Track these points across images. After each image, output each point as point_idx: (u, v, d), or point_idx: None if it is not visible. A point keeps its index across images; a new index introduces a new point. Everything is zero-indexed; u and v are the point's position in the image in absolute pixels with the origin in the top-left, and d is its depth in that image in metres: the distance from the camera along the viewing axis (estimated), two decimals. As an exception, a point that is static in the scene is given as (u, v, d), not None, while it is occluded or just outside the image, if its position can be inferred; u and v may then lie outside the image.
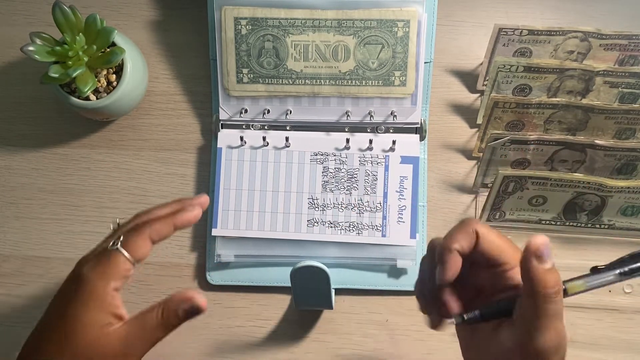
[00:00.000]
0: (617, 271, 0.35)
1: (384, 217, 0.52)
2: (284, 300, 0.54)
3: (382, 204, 0.52)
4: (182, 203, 0.43)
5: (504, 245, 0.36)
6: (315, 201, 0.52)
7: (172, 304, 0.39)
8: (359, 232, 0.52)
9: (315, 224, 0.52)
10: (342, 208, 0.52)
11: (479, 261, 0.37)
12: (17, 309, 0.54)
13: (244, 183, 0.53)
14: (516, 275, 0.36)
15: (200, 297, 0.39)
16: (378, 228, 0.52)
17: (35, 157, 0.56)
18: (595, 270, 0.36)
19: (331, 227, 0.52)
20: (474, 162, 0.55)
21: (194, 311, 0.39)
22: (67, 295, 0.39)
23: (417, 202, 0.52)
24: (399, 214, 0.52)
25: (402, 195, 0.52)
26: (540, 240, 0.34)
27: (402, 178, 0.52)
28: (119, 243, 0.39)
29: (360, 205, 0.52)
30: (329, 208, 0.52)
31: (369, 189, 0.53)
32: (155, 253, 0.54)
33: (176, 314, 0.39)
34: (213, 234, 0.52)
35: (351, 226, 0.52)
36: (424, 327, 0.53)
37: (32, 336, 0.40)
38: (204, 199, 0.43)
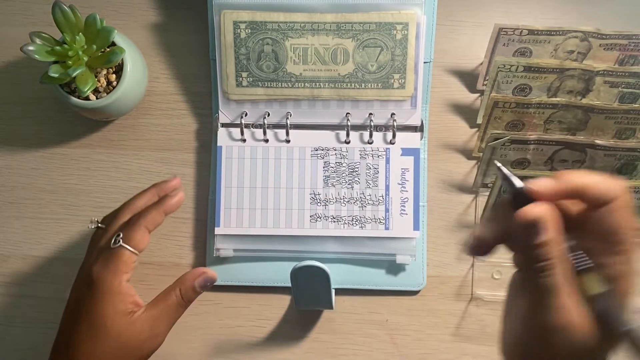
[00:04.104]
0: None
1: (387, 210, 0.52)
2: (284, 300, 0.54)
3: (384, 197, 0.52)
4: (160, 188, 0.48)
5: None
6: (318, 196, 0.53)
7: (188, 282, 0.44)
8: (362, 225, 0.52)
9: (318, 219, 0.52)
10: (345, 202, 0.52)
11: None
12: (17, 309, 0.54)
13: (245, 181, 0.53)
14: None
15: (210, 270, 0.45)
16: (381, 221, 0.52)
17: (35, 157, 0.56)
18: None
19: (334, 221, 0.52)
20: (474, 162, 0.55)
21: (209, 283, 0.45)
22: (84, 299, 0.43)
23: (419, 194, 0.52)
24: (402, 206, 0.52)
25: (404, 187, 0.52)
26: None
27: (403, 170, 0.53)
28: (121, 240, 0.43)
29: (363, 199, 0.52)
30: (332, 203, 0.52)
31: (371, 182, 0.53)
32: (154, 253, 0.55)
33: (193, 289, 0.45)
34: (216, 232, 0.52)
35: (354, 220, 0.52)
36: (424, 327, 0.53)
37: (60, 345, 0.43)
38: (177, 181, 0.49)
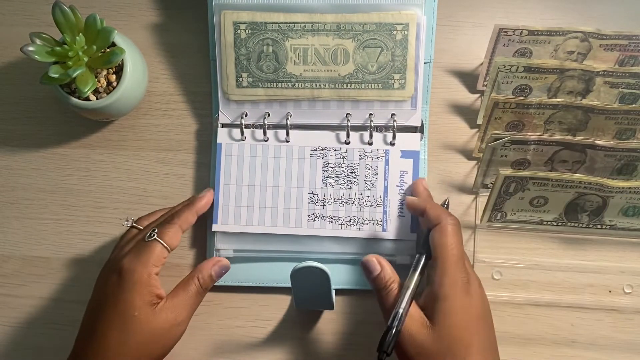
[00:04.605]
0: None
1: (385, 212, 0.52)
2: (284, 301, 0.54)
3: (382, 199, 0.52)
4: (193, 197, 0.52)
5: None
6: (316, 196, 0.53)
7: (205, 270, 0.48)
8: (360, 226, 0.52)
9: (316, 219, 0.52)
10: (343, 203, 0.52)
11: None
12: (17, 309, 0.54)
13: (244, 178, 0.53)
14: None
15: (224, 259, 0.49)
16: (379, 223, 0.52)
17: (35, 157, 0.56)
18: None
19: (332, 222, 0.52)
20: (474, 162, 0.55)
21: (224, 271, 0.49)
22: (112, 289, 0.45)
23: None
24: (400, 208, 0.52)
25: (403, 189, 0.52)
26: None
27: (402, 172, 0.53)
28: (155, 235, 0.46)
29: (361, 200, 0.52)
30: (330, 203, 0.52)
31: (370, 183, 0.53)
32: (155, 253, 0.55)
33: (210, 277, 0.48)
34: (213, 229, 0.52)
35: (352, 221, 0.52)
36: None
37: (85, 337, 0.45)
38: (210, 191, 0.52)
